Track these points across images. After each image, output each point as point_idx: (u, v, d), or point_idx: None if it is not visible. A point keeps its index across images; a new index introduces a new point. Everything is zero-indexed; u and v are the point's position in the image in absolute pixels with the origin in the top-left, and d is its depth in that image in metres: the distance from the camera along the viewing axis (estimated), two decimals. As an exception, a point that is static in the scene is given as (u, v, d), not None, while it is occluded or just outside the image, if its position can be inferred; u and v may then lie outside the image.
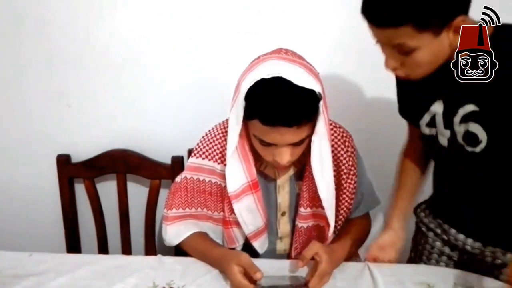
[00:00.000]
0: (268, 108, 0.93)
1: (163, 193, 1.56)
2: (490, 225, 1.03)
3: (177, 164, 1.51)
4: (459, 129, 0.94)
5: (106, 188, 1.60)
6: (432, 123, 1.00)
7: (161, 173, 1.53)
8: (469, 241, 1.08)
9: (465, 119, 0.92)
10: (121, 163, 1.54)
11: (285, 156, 0.99)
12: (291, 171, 1.16)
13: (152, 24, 1.45)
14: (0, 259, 1.13)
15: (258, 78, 0.94)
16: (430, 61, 0.87)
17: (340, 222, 1.19)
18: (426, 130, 1.03)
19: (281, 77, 0.93)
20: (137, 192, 1.60)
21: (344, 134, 1.17)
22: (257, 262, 1.00)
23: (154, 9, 1.44)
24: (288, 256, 1.24)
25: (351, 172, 1.15)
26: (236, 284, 0.97)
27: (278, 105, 0.92)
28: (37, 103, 1.55)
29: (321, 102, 0.97)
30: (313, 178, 1.06)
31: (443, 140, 0.99)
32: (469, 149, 0.93)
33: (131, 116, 1.56)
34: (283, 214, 1.20)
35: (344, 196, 1.16)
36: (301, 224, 1.17)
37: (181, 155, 1.52)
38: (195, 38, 1.46)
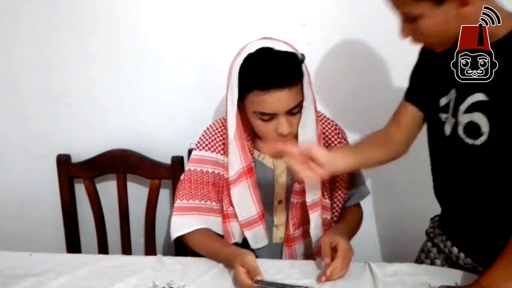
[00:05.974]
0: (261, 74, 1.03)
1: (163, 193, 1.56)
2: (487, 244, 1.00)
3: (177, 164, 1.51)
4: (462, 119, 0.94)
5: (106, 188, 1.60)
6: (446, 108, 1.00)
7: (161, 173, 1.53)
8: (468, 260, 1.06)
9: (471, 108, 0.92)
10: (121, 163, 1.53)
11: (285, 125, 1.07)
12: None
13: (151, 24, 1.45)
14: (0, 259, 1.13)
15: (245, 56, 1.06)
16: (438, 31, 0.87)
17: (335, 211, 1.26)
18: (441, 114, 1.03)
19: (264, 47, 1.05)
20: (137, 192, 1.59)
21: (338, 127, 1.26)
22: (258, 262, 1.00)
23: (153, 10, 1.43)
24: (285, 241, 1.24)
25: None
26: (240, 283, 0.99)
27: (268, 68, 1.03)
28: (37, 103, 1.54)
29: (304, 65, 1.08)
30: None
31: (447, 128, 0.99)
32: (469, 141, 0.93)
33: (131, 116, 1.55)
34: (279, 202, 1.23)
35: (338, 185, 1.24)
36: (296, 200, 1.20)
37: (181, 155, 1.52)
38: (195, 38, 1.45)
